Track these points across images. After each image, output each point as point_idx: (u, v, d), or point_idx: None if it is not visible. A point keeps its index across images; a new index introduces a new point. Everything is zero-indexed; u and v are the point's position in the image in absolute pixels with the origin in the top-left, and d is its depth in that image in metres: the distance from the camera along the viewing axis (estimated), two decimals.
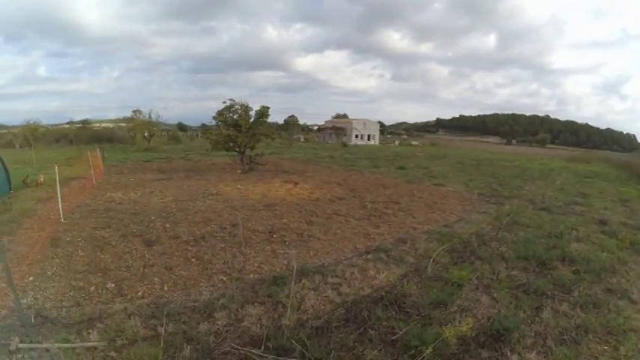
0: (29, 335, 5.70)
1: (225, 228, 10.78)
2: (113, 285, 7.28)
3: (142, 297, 6.84)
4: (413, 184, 20.35)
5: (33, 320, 6.07)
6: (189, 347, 5.20)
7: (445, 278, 7.67)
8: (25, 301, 6.65)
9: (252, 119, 24.35)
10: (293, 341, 5.21)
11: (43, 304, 6.69)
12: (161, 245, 9.38)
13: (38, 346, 5.46)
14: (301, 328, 5.73)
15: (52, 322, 6.12)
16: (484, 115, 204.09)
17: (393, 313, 6.31)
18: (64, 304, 6.68)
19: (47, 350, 5.35)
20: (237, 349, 5.11)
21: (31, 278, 7.56)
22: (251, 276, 7.74)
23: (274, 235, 10.31)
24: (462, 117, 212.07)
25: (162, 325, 5.61)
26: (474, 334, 5.68)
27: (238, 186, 18.12)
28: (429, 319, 6.09)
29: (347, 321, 6.05)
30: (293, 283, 6.58)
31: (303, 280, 7.30)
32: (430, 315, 6.20)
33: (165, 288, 7.17)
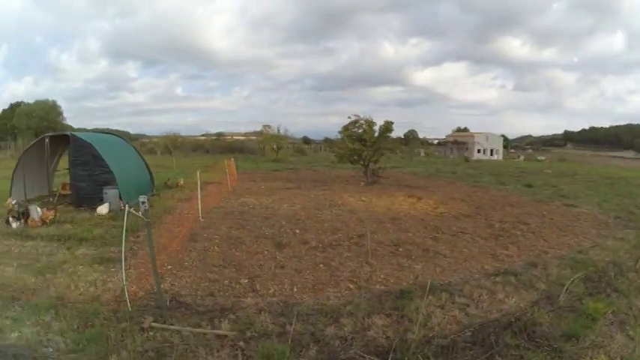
0: (163, 317, 6.19)
1: (352, 238, 10.88)
2: (246, 281, 7.69)
3: (273, 295, 7.11)
4: (542, 204, 18.97)
5: (168, 304, 6.59)
6: (315, 348, 5.27)
7: (579, 309, 6.99)
8: (162, 286, 7.17)
9: (376, 134, 24.51)
10: (419, 357, 5.08)
11: (178, 290, 7.28)
12: (291, 249, 9.70)
13: (171, 327, 5.87)
14: (427, 344, 5.52)
15: (186, 307, 6.60)
16: (617, 127, 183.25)
17: (522, 341, 5.84)
18: (198, 292, 7.19)
19: (178, 332, 5.72)
20: (363, 357, 5.09)
21: (169, 267, 8.28)
22: (377, 287, 7.67)
23: (400, 249, 10.17)
24: (592, 129, 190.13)
25: (290, 324, 5.72)
26: None
27: (362, 198, 18.25)
28: (560, 352, 5.58)
29: (474, 344, 5.72)
30: (426, 297, 6.41)
31: (430, 297, 7.14)
32: (561, 348, 5.67)
33: (295, 289, 7.37)
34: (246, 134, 80.00)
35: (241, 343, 5.43)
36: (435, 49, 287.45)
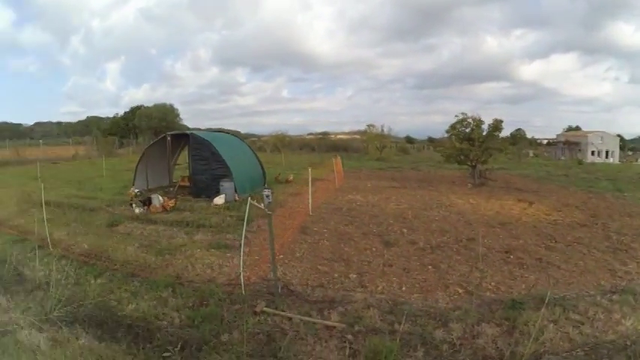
0: (275, 303, 6.48)
1: (461, 241, 10.64)
2: (355, 276, 7.82)
3: (381, 292, 7.16)
4: None
5: (280, 291, 6.87)
6: (423, 350, 5.26)
7: None
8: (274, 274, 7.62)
9: (484, 133, 23.62)
10: None
11: (290, 279, 7.59)
12: (399, 248, 9.69)
13: (282, 313, 6.14)
14: None
15: (297, 296, 6.88)
16: None
17: None
18: (309, 283, 7.46)
19: (289, 319, 5.98)
20: None
21: (281, 256, 8.61)
22: (487, 294, 7.45)
23: (511, 256, 9.77)
24: None
25: (399, 323, 5.76)
26: None
27: (470, 200, 17.73)
28: None
29: None
30: (543, 310, 6.14)
31: (542, 310, 6.83)
32: None
33: (403, 288, 7.37)
34: (349, 133, 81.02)
35: (349, 336, 5.55)
36: (542, 40, 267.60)
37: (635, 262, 10.17)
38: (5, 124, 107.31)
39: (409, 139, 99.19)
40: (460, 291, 7.48)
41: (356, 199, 16.17)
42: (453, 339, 5.69)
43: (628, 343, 6.12)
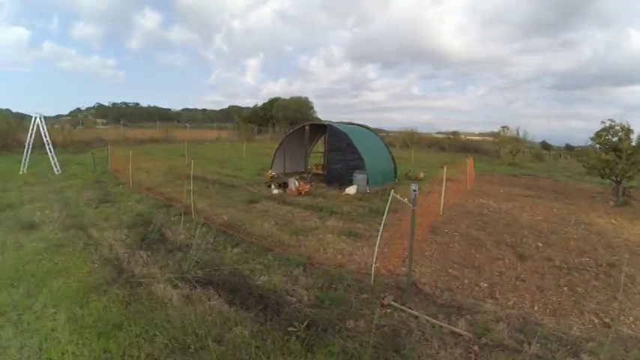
0: (403, 298, 6.52)
1: (601, 265, 9.83)
2: (485, 285, 7.59)
3: (512, 307, 6.89)
4: None
5: (408, 288, 6.90)
6: None
7: None
8: (404, 269, 7.59)
9: (633, 143, 21.17)
10: None
11: (418, 277, 7.56)
12: (533, 262, 9.22)
13: (409, 310, 6.16)
14: None
15: (425, 296, 6.85)
16: None
17: None
18: (437, 285, 7.38)
19: (416, 317, 5.98)
20: None
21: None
22: (624, 329, 6.84)
23: None
24: None
25: (528, 343, 5.55)
26: None
27: (612, 220, 16.22)
28: None
29: None
30: None
31: None
32: None
33: (536, 308, 7.01)
34: (480, 134, 77.97)
35: (476, 347, 5.43)
36: None
37: None
38: (156, 108, 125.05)
39: (545, 145, 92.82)
40: (595, 320, 6.97)
41: (488, 204, 15.61)
42: None
43: None
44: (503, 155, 49.04)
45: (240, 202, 13.48)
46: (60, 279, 7.04)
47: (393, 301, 6.44)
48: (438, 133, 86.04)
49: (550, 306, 7.18)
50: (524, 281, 8.05)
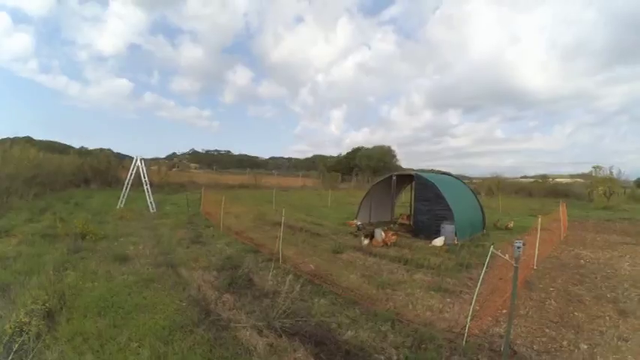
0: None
1: None
2: (585, 347, 7.02)
3: None
4: None
5: (505, 350, 6.47)
6: None
7: None
8: (496, 329, 7.27)
9: None
10: None
11: (513, 338, 7.08)
12: (636, 319, 8.46)
13: None
14: None
15: (520, 358, 6.42)
16: None
17: None
18: (534, 346, 6.88)
19: None
20: None
21: (504, 311, 8.13)
22: None
23: None
24: None
25: None
26: None
27: None
28: None
29: None
30: None
31: None
32: None
33: None
34: (571, 176, 73.86)
35: None
36: None
37: None
38: (246, 155, 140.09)
39: None
40: None
41: (584, 254, 14.58)
42: None
43: None
44: (596, 198, 45.92)
45: (326, 251, 13.46)
46: (147, 314, 7.29)
47: None
48: (523, 177, 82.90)
49: None
50: (627, 341, 7.39)
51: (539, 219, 12.35)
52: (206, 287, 9.15)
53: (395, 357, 6.32)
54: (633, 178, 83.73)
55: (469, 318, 6.92)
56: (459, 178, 23.95)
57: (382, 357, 6.30)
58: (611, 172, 48.75)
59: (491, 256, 6.75)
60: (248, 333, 6.75)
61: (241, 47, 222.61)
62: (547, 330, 7.53)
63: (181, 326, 6.83)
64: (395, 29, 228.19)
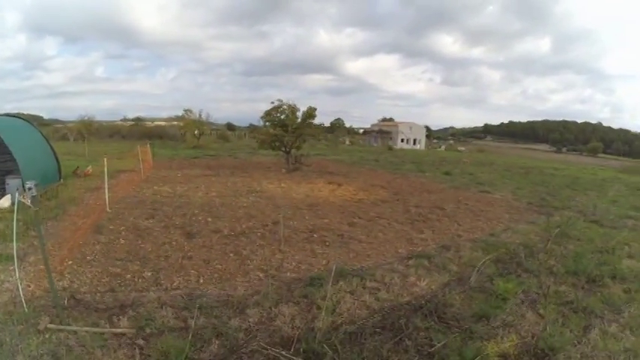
0: (60, 317, 5.71)
1: (267, 225, 10.67)
2: (150, 274, 7.27)
3: (177, 288, 6.77)
4: (459, 191, 19.59)
5: (66, 303, 6.11)
6: (217, 342, 5.07)
7: (489, 290, 7.12)
8: (61, 283, 6.77)
9: (298, 120, 24.35)
10: (324, 345, 4.93)
11: (78, 287, 6.76)
12: (201, 238, 9.34)
13: (67, 327, 5.43)
14: (334, 332, 5.41)
15: (85, 306, 6.13)
16: (533, 122, 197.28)
17: (433, 323, 5.85)
18: (98, 289, 6.71)
19: (75, 333, 5.32)
20: (266, 349, 4.89)
21: (70, 262, 7.67)
22: (288, 274, 7.54)
23: (315, 235, 10.09)
24: (510, 123, 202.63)
25: (192, 318, 5.50)
26: (516, 352, 5.17)
27: (282, 185, 18.08)
28: (471, 332, 5.61)
29: (383, 328, 5.68)
30: (330, 284, 6.28)
31: (341, 283, 7.03)
32: (472, 328, 5.71)
33: (201, 280, 7.08)
34: (168, 119, 76.89)
35: (140, 341, 5.12)
36: (370, 40, 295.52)
37: (431, 231, 11.25)
38: None
39: (230, 126, 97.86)
40: (260, 275, 7.44)
41: (162, 190, 15.34)
42: (249, 325, 5.60)
43: (423, 302, 6.62)
44: (188, 139, 49.64)
45: None
46: None
47: (50, 322, 5.58)
48: (122, 120, 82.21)
49: (216, 275, 7.37)
50: (191, 258, 8.07)
51: (105, 161, 12.17)
52: None
53: None
54: (225, 122, 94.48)
55: (18, 280, 6.16)
56: (45, 121, 21.12)
57: None
58: (200, 116, 53.35)
59: (35, 201, 6.09)
60: None
61: None
62: (112, 269, 7.41)
63: None
64: None
